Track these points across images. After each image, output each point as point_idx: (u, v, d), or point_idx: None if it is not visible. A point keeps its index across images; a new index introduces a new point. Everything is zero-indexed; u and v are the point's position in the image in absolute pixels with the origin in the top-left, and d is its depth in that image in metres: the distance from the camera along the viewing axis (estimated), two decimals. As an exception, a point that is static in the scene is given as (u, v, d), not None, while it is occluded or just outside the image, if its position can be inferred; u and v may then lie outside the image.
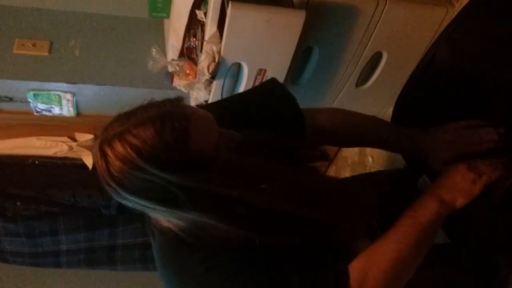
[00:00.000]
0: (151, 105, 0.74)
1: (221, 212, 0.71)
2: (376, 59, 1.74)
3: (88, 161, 2.03)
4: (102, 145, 0.70)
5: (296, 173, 0.84)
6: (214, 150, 0.74)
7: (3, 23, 1.87)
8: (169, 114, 0.71)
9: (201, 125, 0.74)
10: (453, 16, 1.11)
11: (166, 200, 0.70)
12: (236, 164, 0.76)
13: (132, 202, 0.72)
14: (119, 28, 1.94)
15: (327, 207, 0.79)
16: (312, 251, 0.80)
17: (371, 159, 2.25)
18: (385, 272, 0.79)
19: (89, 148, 2.03)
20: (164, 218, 0.77)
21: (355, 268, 0.78)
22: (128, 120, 0.71)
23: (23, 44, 1.81)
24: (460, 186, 0.88)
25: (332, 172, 2.59)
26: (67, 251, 2.03)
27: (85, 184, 1.97)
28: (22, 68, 1.76)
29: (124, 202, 0.73)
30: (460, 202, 0.87)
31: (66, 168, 2.08)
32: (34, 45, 1.82)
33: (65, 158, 2.07)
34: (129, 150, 0.67)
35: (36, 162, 2.05)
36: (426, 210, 0.85)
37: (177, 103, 0.75)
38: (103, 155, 0.70)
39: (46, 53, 1.81)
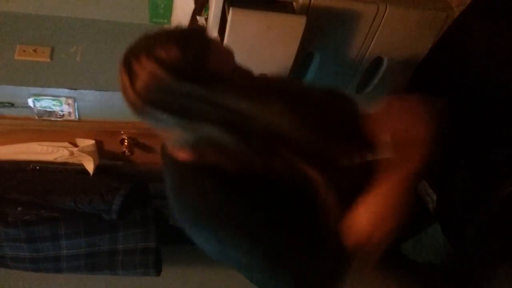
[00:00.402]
0: (176, 28, 0.81)
1: (232, 124, 0.74)
2: (376, 64, 1.75)
3: (89, 166, 2.03)
4: (127, 60, 0.76)
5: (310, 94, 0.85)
6: (230, 71, 0.81)
7: (5, 29, 1.87)
8: (193, 33, 0.80)
9: (221, 49, 0.83)
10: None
11: (183, 111, 0.73)
12: (250, 80, 0.85)
13: (152, 116, 0.75)
14: (121, 34, 1.95)
15: (334, 129, 0.83)
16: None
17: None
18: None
19: (90, 153, 2.03)
20: (178, 138, 0.79)
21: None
22: (155, 39, 0.77)
23: (24, 50, 1.81)
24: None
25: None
26: (67, 256, 2.03)
27: (86, 189, 1.97)
28: (23, 74, 1.77)
29: (143, 117, 0.77)
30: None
31: (67, 173, 2.08)
32: (35, 51, 1.82)
33: (66, 163, 2.07)
34: (155, 63, 0.72)
35: (37, 167, 2.05)
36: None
37: (202, 29, 0.82)
38: (128, 69, 0.75)
39: (48, 59, 1.82)
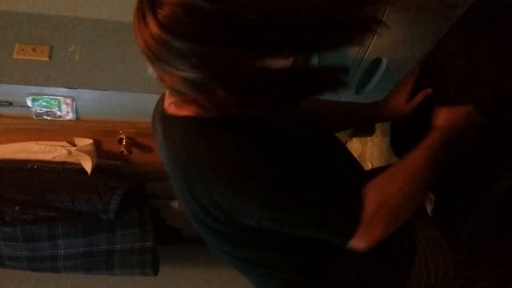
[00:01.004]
0: None
1: (255, 40, 0.71)
2: (375, 65, 1.75)
3: (87, 165, 2.03)
4: None
5: None
6: None
7: (3, 28, 1.87)
8: None
9: None
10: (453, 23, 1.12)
11: (208, 36, 0.70)
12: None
13: (170, 50, 0.72)
14: (120, 33, 1.94)
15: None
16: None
17: (371, 164, 2.25)
18: (395, 215, 0.85)
19: (88, 152, 2.02)
20: (182, 87, 0.77)
21: (369, 200, 0.83)
22: None
23: (23, 49, 1.81)
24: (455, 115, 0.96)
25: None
26: (65, 256, 2.03)
27: (84, 188, 1.97)
28: (22, 73, 1.76)
29: (159, 53, 0.73)
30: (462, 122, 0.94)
31: (65, 172, 2.08)
32: (34, 50, 1.82)
33: (64, 162, 2.07)
34: None
35: (35, 166, 2.05)
36: (432, 140, 0.91)
37: None
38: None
39: (46, 58, 1.81)
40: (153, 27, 0.71)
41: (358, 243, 0.82)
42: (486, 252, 0.95)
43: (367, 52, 1.66)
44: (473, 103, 0.96)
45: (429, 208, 0.98)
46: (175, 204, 2.32)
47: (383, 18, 1.54)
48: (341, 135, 2.13)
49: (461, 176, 0.95)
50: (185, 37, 0.70)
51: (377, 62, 1.73)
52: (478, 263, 0.95)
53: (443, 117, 0.96)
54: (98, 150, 2.09)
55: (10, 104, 1.80)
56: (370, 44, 1.63)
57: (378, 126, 2.16)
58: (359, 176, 1.02)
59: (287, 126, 0.89)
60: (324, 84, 0.84)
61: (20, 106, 1.81)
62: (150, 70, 0.82)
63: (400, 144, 1.18)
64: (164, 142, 0.93)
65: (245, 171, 0.81)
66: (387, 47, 1.66)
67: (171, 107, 0.89)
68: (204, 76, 0.73)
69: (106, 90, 1.79)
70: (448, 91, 1.03)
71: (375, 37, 1.61)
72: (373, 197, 0.83)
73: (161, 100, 0.97)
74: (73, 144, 2.04)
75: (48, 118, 1.88)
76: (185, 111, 0.86)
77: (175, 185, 0.94)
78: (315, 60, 1.67)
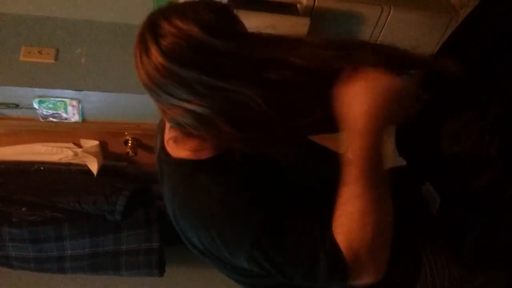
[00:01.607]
0: None
1: (261, 77, 0.73)
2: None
3: (93, 167, 2.04)
4: (153, 20, 0.75)
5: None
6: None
7: (10, 31, 1.88)
8: (222, 5, 0.81)
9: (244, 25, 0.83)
10: (458, 23, 1.12)
11: (209, 66, 0.72)
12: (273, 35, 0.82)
13: (174, 79, 0.72)
14: (125, 35, 1.95)
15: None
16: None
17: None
18: (373, 249, 0.76)
19: (94, 154, 2.03)
20: (185, 120, 0.76)
21: (341, 244, 0.75)
22: (183, 4, 0.77)
23: (29, 52, 1.82)
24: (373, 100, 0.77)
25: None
26: (71, 257, 2.04)
27: (90, 190, 1.98)
28: (28, 75, 1.78)
29: (163, 84, 0.74)
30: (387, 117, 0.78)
31: (71, 174, 2.09)
32: (40, 52, 1.83)
33: (70, 164, 2.08)
34: (188, 22, 0.72)
35: (41, 168, 2.06)
36: (358, 156, 0.76)
37: (228, 5, 0.87)
38: (154, 27, 0.73)
39: (52, 61, 1.83)
40: (157, 57, 0.72)
41: (361, 281, 0.77)
42: (492, 259, 0.94)
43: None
44: (480, 106, 0.95)
45: (434, 210, 0.98)
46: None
47: (388, 18, 1.55)
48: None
49: (467, 178, 0.94)
50: (190, 67, 0.71)
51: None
52: (484, 270, 0.94)
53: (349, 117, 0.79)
54: (104, 152, 2.10)
55: (17, 106, 1.82)
56: (374, 45, 1.63)
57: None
58: None
59: (286, 159, 0.89)
60: (329, 121, 0.82)
61: (27, 108, 1.82)
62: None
63: (405, 145, 1.17)
64: (161, 185, 0.94)
65: (230, 222, 0.79)
66: (392, 47, 1.66)
67: (170, 143, 0.88)
68: (209, 109, 0.73)
69: (112, 92, 1.80)
70: (456, 92, 1.02)
71: (379, 38, 1.61)
72: (343, 244, 0.75)
73: (161, 129, 0.96)
74: (79, 146, 2.05)
75: (55, 120, 1.89)
76: (181, 152, 0.85)
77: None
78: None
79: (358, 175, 0.76)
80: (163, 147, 0.92)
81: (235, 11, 0.82)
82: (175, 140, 0.85)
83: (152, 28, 0.74)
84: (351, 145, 0.77)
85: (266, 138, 0.77)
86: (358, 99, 0.76)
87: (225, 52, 0.71)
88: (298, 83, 0.75)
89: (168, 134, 0.89)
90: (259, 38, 0.77)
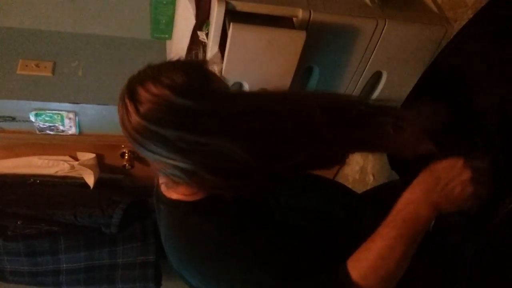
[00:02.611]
0: (178, 60, 0.87)
1: (239, 129, 0.77)
2: (376, 78, 1.76)
3: (90, 180, 2.03)
4: (131, 87, 0.79)
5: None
6: (230, 93, 0.88)
7: (7, 44, 1.89)
8: (197, 64, 0.85)
9: (220, 80, 0.89)
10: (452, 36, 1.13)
11: (189, 125, 0.75)
12: (252, 92, 0.89)
13: (156, 139, 0.76)
14: (122, 49, 1.97)
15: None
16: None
17: (372, 177, 2.25)
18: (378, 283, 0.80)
19: (90, 167, 2.03)
20: (173, 172, 0.79)
21: (354, 277, 0.79)
22: (159, 69, 0.81)
23: (26, 65, 1.83)
24: (456, 190, 0.83)
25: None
26: (67, 270, 2.02)
27: (86, 203, 1.97)
28: (25, 88, 1.78)
29: (145, 144, 0.78)
30: (450, 208, 0.84)
31: (67, 187, 2.08)
32: (37, 65, 1.84)
33: (66, 177, 2.07)
34: (162, 89, 0.76)
35: (38, 181, 2.06)
36: (417, 221, 0.82)
37: (202, 61, 0.94)
38: (133, 94, 0.77)
39: (50, 74, 1.83)
40: (137, 120, 0.76)
41: None
42: (490, 277, 0.94)
43: (367, 66, 1.67)
44: (480, 116, 0.95)
45: (429, 226, 0.97)
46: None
47: (383, 32, 1.56)
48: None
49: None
50: (170, 127, 0.75)
51: (377, 75, 1.74)
52: (483, 283, 0.94)
53: (440, 180, 0.84)
54: (100, 164, 2.09)
55: (13, 119, 1.82)
56: (370, 57, 1.65)
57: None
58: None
59: (277, 200, 0.91)
60: (312, 164, 0.88)
61: (23, 121, 1.82)
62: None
63: (398, 160, 1.18)
64: (158, 221, 0.98)
65: (224, 261, 0.82)
66: (387, 60, 1.67)
67: (163, 187, 0.92)
68: (192, 163, 0.76)
69: (109, 104, 1.80)
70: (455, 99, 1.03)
71: (375, 51, 1.62)
72: (357, 279, 0.79)
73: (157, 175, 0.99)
74: (76, 159, 2.05)
75: (51, 132, 1.89)
76: (174, 194, 0.89)
77: None
78: (310, 88, 1.69)
79: (400, 235, 0.81)
80: (158, 186, 0.95)
81: (209, 67, 0.88)
82: (167, 185, 0.89)
83: (130, 94, 0.78)
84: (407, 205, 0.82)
85: (250, 183, 0.80)
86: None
87: (202, 111, 0.75)
88: (279, 130, 0.79)
89: (160, 178, 0.93)
90: (235, 93, 0.84)
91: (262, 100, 0.82)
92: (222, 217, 0.84)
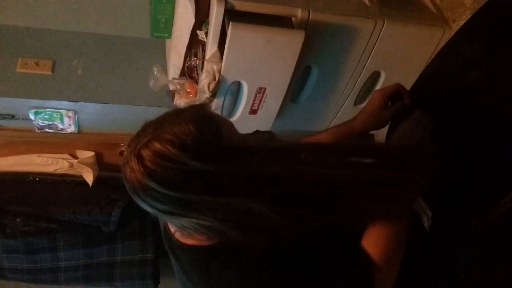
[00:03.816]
0: (179, 110, 0.77)
1: (263, 190, 0.71)
2: (374, 78, 1.76)
3: (88, 178, 2.04)
4: (136, 151, 0.70)
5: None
6: (244, 141, 0.79)
7: (7, 42, 1.90)
8: (201, 112, 0.76)
9: (227, 122, 0.80)
10: (450, 37, 1.13)
11: (211, 189, 0.69)
12: (270, 146, 0.79)
13: (169, 201, 0.70)
14: (121, 48, 1.97)
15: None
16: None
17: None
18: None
19: (89, 165, 2.04)
20: (192, 227, 0.75)
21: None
22: (161, 124, 0.73)
23: (26, 63, 1.83)
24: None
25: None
26: (65, 268, 2.03)
27: (85, 201, 1.98)
28: (24, 86, 1.79)
29: (159, 206, 0.72)
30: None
31: (66, 185, 2.09)
32: (37, 64, 1.84)
33: (66, 175, 2.08)
34: (171, 148, 0.68)
35: (37, 179, 2.06)
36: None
37: (204, 106, 0.80)
38: (139, 158, 0.69)
39: (49, 72, 1.84)
40: (152, 187, 0.69)
41: None
42: (486, 275, 0.94)
43: (366, 66, 1.68)
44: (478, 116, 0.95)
45: (426, 224, 0.98)
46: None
47: (382, 32, 1.57)
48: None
49: (460, 193, 0.94)
50: (187, 191, 0.69)
51: (375, 75, 1.75)
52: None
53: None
54: (99, 163, 2.10)
55: (13, 117, 1.82)
56: (369, 57, 1.65)
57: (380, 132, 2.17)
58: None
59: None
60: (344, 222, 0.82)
61: (23, 119, 1.83)
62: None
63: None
64: (174, 262, 0.93)
65: None
66: (386, 60, 1.68)
67: (177, 234, 0.86)
68: (215, 221, 0.71)
69: (108, 103, 1.81)
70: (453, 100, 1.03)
71: (373, 51, 1.63)
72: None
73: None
74: (75, 157, 2.06)
75: (50, 131, 1.90)
76: (189, 240, 0.83)
77: None
78: (309, 87, 1.69)
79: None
80: (168, 229, 0.90)
81: (216, 117, 0.79)
82: (182, 233, 0.83)
83: (137, 159, 0.70)
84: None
85: (278, 240, 0.76)
86: None
87: (220, 174, 0.69)
88: (304, 191, 0.74)
89: (172, 227, 0.87)
90: (250, 153, 0.73)
91: (283, 163, 0.74)
92: (244, 259, 0.79)
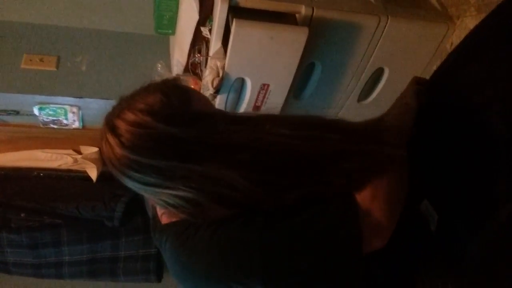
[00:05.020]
0: (150, 83, 0.81)
1: (232, 156, 0.72)
2: (378, 74, 1.76)
3: (92, 173, 2.05)
4: (110, 121, 0.74)
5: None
6: (212, 111, 0.82)
7: (12, 39, 1.90)
8: (171, 82, 0.80)
9: (198, 93, 0.84)
10: (453, 32, 1.11)
11: (181, 154, 0.71)
12: (235, 113, 0.82)
13: (143, 169, 0.71)
14: (125, 44, 1.98)
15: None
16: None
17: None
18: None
19: (93, 160, 2.05)
20: (172, 201, 0.75)
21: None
22: (133, 97, 0.76)
23: (31, 60, 1.84)
24: None
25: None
26: (69, 262, 2.04)
27: (89, 196, 1.99)
28: (29, 83, 1.80)
29: (136, 176, 0.73)
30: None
31: (71, 180, 2.10)
32: (41, 60, 1.85)
33: (70, 170, 2.09)
34: (141, 115, 0.71)
35: (41, 174, 2.07)
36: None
37: (174, 79, 0.84)
38: (113, 129, 0.72)
39: (54, 68, 1.85)
40: (124, 155, 0.71)
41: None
42: (491, 278, 0.94)
43: (369, 62, 1.68)
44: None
45: (432, 227, 0.98)
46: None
47: (385, 28, 1.56)
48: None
49: (466, 197, 0.94)
50: (160, 157, 0.70)
51: (379, 71, 1.75)
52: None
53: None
54: (103, 158, 2.11)
55: (17, 113, 1.83)
56: (372, 54, 1.65)
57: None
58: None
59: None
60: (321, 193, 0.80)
61: (27, 114, 1.84)
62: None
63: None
64: (163, 252, 0.88)
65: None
66: (389, 57, 1.67)
67: (164, 217, 0.85)
68: (192, 190, 0.72)
69: (112, 99, 1.80)
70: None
71: (377, 47, 1.63)
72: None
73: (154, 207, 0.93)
74: (79, 152, 2.07)
75: (55, 126, 1.91)
76: (175, 217, 0.81)
77: None
78: (312, 84, 1.69)
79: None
80: (155, 217, 0.89)
81: (186, 81, 0.81)
82: (167, 215, 0.83)
83: (110, 129, 0.73)
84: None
85: (258, 212, 0.75)
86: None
87: (189, 139, 0.71)
88: (272, 160, 0.74)
89: (160, 210, 0.86)
90: (216, 119, 0.75)
91: (249, 132, 0.75)
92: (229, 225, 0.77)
